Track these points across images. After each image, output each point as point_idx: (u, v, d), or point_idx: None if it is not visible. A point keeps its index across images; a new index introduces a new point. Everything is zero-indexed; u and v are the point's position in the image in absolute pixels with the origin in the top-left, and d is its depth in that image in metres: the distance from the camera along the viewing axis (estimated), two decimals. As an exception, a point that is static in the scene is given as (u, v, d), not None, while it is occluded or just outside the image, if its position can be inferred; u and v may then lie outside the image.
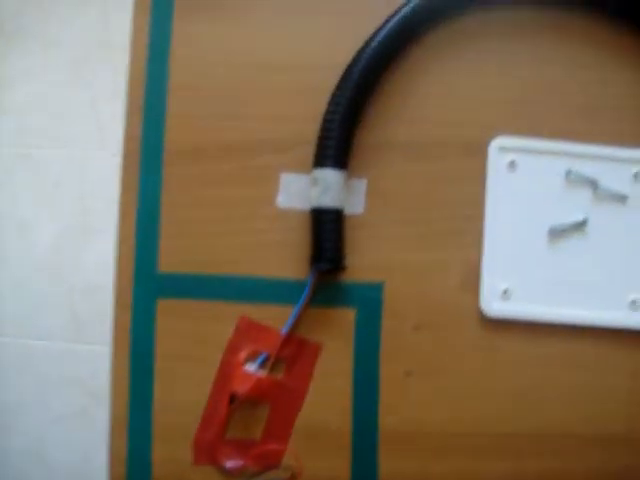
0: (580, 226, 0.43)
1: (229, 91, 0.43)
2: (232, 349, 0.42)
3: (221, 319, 0.42)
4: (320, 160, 0.41)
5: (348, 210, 0.42)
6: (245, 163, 0.43)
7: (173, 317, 0.42)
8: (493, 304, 0.42)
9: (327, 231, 0.41)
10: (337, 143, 0.41)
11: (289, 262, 0.42)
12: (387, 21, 0.43)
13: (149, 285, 0.42)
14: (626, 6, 0.43)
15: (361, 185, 0.43)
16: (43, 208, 1.01)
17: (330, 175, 0.41)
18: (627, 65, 0.44)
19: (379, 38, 0.42)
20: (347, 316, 0.42)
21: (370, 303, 0.42)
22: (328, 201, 0.41)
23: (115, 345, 0.42)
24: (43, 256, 1.01)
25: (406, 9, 0.43)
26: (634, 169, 0.44)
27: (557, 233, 0.43)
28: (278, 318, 0.42)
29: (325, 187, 0.41)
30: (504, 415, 0.42)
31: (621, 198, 0.43)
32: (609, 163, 0.43)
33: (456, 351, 0.42)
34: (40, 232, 1.01)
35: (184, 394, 0.42)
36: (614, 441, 0.42)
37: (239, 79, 0.44)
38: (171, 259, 0.43)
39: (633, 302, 0.42)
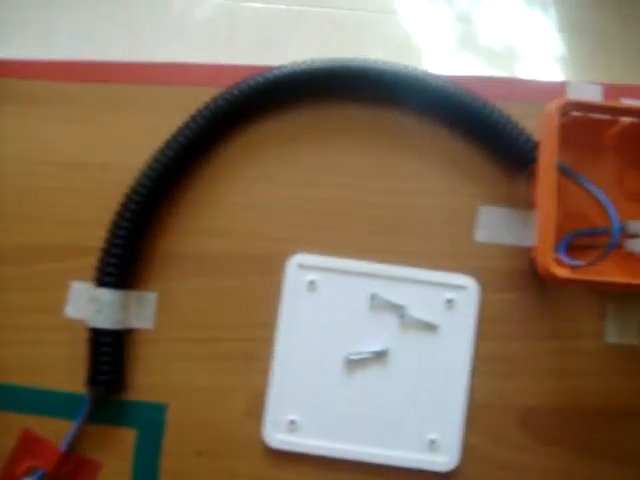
0: (380, 357, 0.39)
1: (22, 191, 0.42)
2: (13, 461, 0.41)
3: (5, 430, 0.41)
4: (98, 278, 0.39)
5: (136, 324, 0.40)
6: (34, 268, 0.41)
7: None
8: (277, 435, 0.39)
9: (101, 353, 0.39)
10: (118, 261, 0.39)
11: (75, 375, 0.41)
12: (190, 119, 0.40)
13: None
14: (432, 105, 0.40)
15: (150, 298, 0.41)
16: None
17: (106, 295, 0.39)
18: (444, 174, 0.41)
19: (178, 137, 0.40)
20: (127, 436, 0.40)
21: (152, 424, 0.40)
22: (101, 321, 0.39)
23: None
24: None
25: (210, 107, 0.40)
26: (447, 295, 0.40)
27: (355, 363, 0.39)
28: (63, 433, 0.41)
29: (100, 307, 0.39)
30: None
31: (430, 327, 0.40)
32: (419, 288, 0.40)
33: (238, 481, 0.40)
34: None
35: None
36: None
37: (34, 178, 0.42)
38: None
39: (432, 442, 0.39)
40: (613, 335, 0.41)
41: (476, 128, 0.40)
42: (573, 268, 0.38)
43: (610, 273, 0.39)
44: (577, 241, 0.40)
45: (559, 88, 0.41)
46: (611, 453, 0.40)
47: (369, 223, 0.41)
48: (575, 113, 0.39)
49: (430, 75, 0.39)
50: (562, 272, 0.36)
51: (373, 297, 0.39)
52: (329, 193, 0.41)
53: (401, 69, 0.40)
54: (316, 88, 0.41)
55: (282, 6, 0.91)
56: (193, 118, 0.39)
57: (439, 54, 0.95)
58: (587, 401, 0.40)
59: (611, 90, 0.42)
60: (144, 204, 0.39)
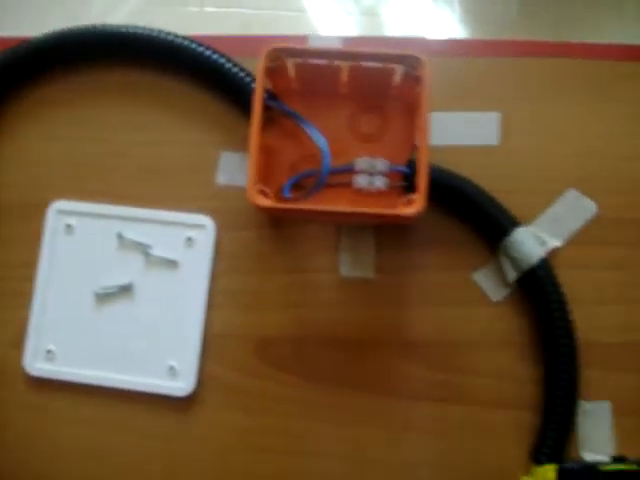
0: (126, 291, 0.43)
1: None
2: None
3: None
4: None
5: None
6: None
7: None
8: (36, 364, 0.43)
9: None
10: None
11: None
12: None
13: None
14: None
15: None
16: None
17: None
18: (191, 124, 0.44)
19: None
20: None
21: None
22: None
23: None
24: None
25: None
26: (187, 234, 0.43)
27: (103, 297, 0.43)
28: None
29: None
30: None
31: (171, 264, 0.43)
32: (162, 228, 0.43)
33: (4, 408, 0.44)
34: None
35: None
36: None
37: None
38: None
39: (171, 369, 0.42)
40: (347, 269, 0.43)
41: (213, 79, 0.44)
42: (281, 200, 0.40)
43: (332, 204, 0.41)
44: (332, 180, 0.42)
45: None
46: (345, 380, 0.42)
47: (123, 172, 0.45)
48: (296, 60, 0.42)
49: (164, 32, 0.44)
50: (263, 202, 0.39)
51: (120, 237, 0.43)
52: (89, 146, 0.45)
53: (139, 29, 0.44)
54: (83, 52, 0.46)
55: (195, 8, 0.97)
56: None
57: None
58: (322, 331, 0.43)
59: (352, 42, 0.45)
60: None
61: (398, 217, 0.39)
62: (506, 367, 0.42)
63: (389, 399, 0.42)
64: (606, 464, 0.38)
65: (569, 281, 0.42)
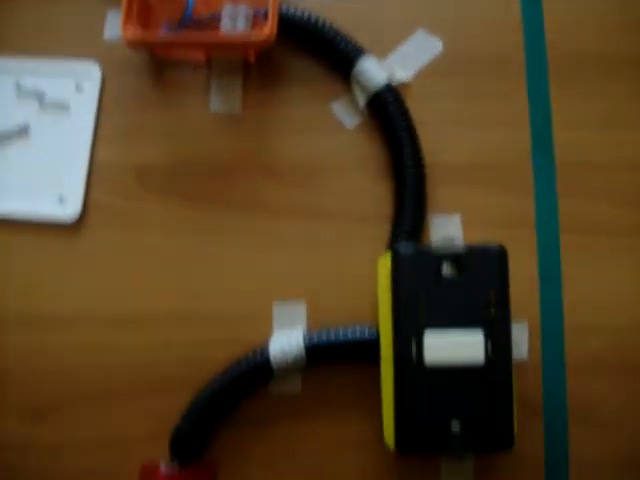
0: (22, 132, 0.48)
1: None
2: None
3: None
4: None
5: None
6: None
7: None
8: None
9: None
10: None
11: None
12: None
13: None
14: None
15: None
16: None
17: None
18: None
19: None
20: None
21: None
22: None
23: None
24: None
25: None
26: (76, 80, 0.48)
27: (2, 138, 0.48)
28: None
29: None
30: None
31: (63, 107, 0.48)
32: (55, 76, 0.49)
33: None
34: None
35: None
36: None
37: None
38: None
39: (60, 197, 0.47)
40: (216, 105, 0.48)
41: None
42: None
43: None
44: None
45: None
46: (216, 200, 0.47)
47: (23, 25, 0.50)
48: None
49: None
50: (130, 35, 0.45)
51: (18, 86, 0.49)
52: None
53: None
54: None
55: None
56: None
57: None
58: (195, 159, 0.47)
59: None
60: None
61: (250, 43, 0.45)
62: (361, 187, 0.47)
63: (256, 216, 0.46)
64: (439, 248, 0.41)
65: (418, 109, 0.46)
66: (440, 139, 0.47)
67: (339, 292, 0.45)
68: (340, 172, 0.47)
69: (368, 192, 0.46)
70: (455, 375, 0.39)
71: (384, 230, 0.46)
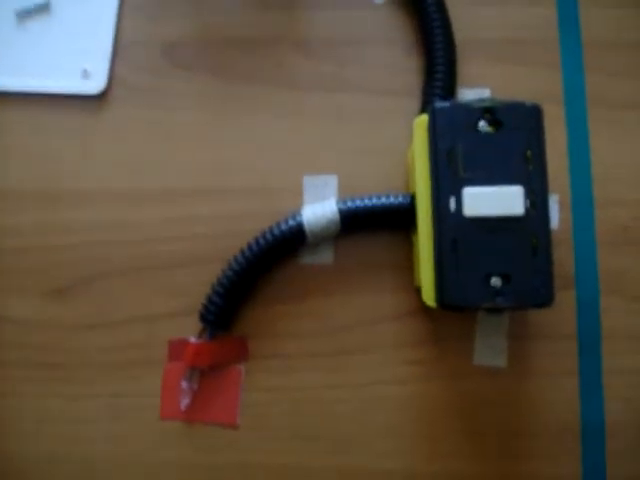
0: (44, 8, 0.47)
1: None
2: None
3: None
4: None
5: None
6: None
7: None
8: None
9: None
10: None
11: None
12: None
13: None
14: None
15: None
16: None
17: None
18: None
19: None
20: None
21: None
22: None
23: None
24: None
25: None
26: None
27: (23, 15, 0.47)
28: None
29: None
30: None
31: (86, -17, 0.47)
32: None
33: None
34: None
35: None
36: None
37: None
38: None
39: (84, 71, 0.46)
40: None
41: None
42: None
43: None
44: None
45: None
46: (244, 75, 0.46)
47: None
48: None
49: None
50: None
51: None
52: None
53: None
54: None
55: None
56: None
57: None
58: (221, 34, 0.47)
59: None
60: None
61: None
62: (392, 61, 0.46)
63: (286, 90, 0.46)
64: (475, 101, 0.41)
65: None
66: (470, 15, 0.47)
67: (370, 166, 0.45)
68: (370, 46, 0.46)
69: (398, 66, 0.46)
70: (494, 229, 0.39)
71: (414, 104, 0.45)
